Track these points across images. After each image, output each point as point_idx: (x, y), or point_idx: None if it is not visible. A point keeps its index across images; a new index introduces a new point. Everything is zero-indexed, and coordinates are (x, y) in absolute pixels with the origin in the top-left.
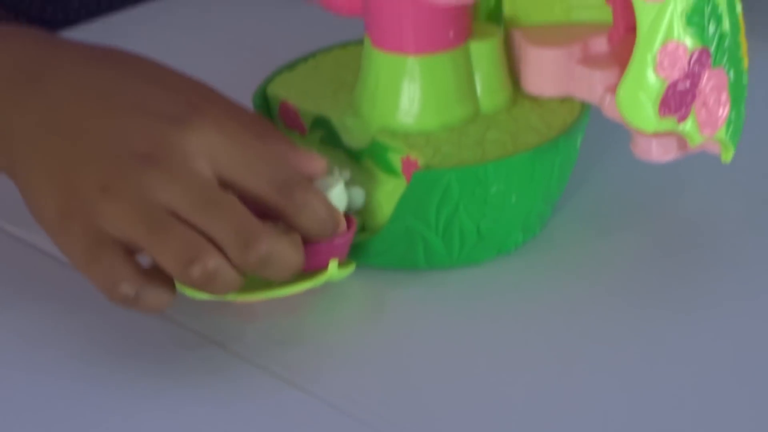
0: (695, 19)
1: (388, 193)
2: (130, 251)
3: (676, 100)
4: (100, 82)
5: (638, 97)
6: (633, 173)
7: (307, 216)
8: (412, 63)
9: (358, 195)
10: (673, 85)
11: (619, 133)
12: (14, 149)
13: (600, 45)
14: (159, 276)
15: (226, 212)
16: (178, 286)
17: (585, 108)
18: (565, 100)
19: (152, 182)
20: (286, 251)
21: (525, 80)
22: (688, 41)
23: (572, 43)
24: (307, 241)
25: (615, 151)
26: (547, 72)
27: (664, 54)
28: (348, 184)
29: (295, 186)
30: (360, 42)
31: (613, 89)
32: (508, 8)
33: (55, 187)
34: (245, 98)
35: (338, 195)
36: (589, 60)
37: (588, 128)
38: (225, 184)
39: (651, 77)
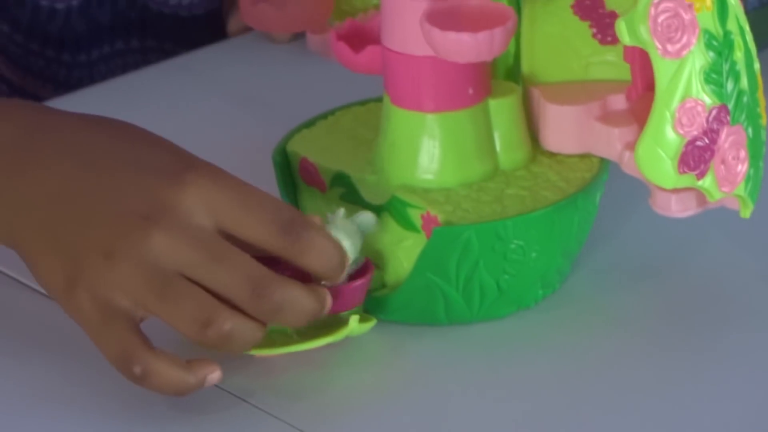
0: (714, 76)
1: (408, 249)
2: (139, 321)
3: (695, 157)
4: (94, 146)
5: (657, 153)
6: (652, 228)
7: (316, 255)
8: (432, 120)
9: (367, 219)
10: (691, 142)
11: (639, 189)
12: (14, 221)
13: (618, 102)
14: (168, 356)
15: (234, 265)
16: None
17: (604, 164)
18: (584, 156)
19: (155, 244)
20: (299, 296)
21: (544, 137)
22: (707, 98)
23: (591, 100)
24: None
25: (634, 206)
26: (567, 129)
27: (682, 111)
28: (349, 215)
29: (299, 226)
30: (379, 99)
31: (631, 146)
32: (526, 66)
33: (58, 256)
34: (265, 155)
35: (345, 228)
36: (608, 117)
37: (607, 184)
38: (227, 235)
39: (670, 134)
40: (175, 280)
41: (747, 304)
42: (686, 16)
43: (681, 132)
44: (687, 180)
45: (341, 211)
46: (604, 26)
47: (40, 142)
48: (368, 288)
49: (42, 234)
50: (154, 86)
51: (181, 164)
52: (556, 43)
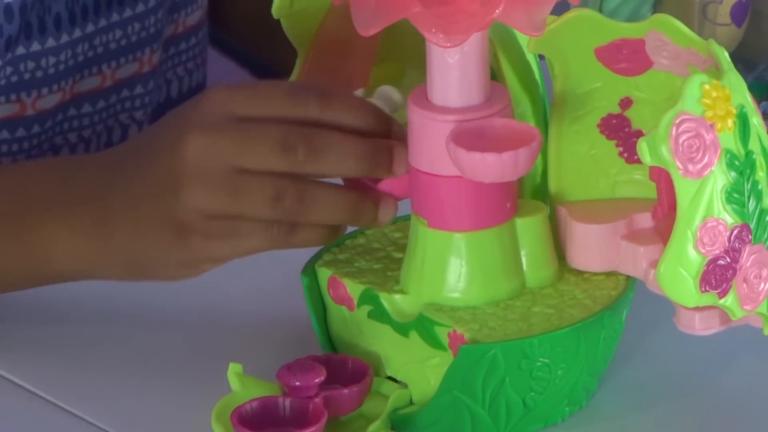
0: (735, 195)
1: (435, 367)
2: None
3: (717, 275)
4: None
5: (679, 272)
6: (678, 346)
7: (345, 107)
8: (459, 239)
9: (393, 93)
10: (713, 261)
11: (665, 306)
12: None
13: (644, 221)
14: None
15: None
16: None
17: (630, 282)
18: (611, 274)
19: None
20: (341, 138)
21: (571, 255)
22: (728, 218)
23: (617, 218)
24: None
25: (660, 323)
26: (593, 247)
27: (704, 230)
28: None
29: (319, 89)
30: (407, 218)
31: (656, 264)
32: (554, 184)
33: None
34: (295, 272)
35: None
36: (633, 235)
37: (634, 301)
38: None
39: (691, 253)
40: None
41: None
42: (708, 136)
43: (702, 251)
44: (709, 299)
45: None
46: (630, 145)
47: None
48: (366, 393)
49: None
50: None
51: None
52: (583, 162)
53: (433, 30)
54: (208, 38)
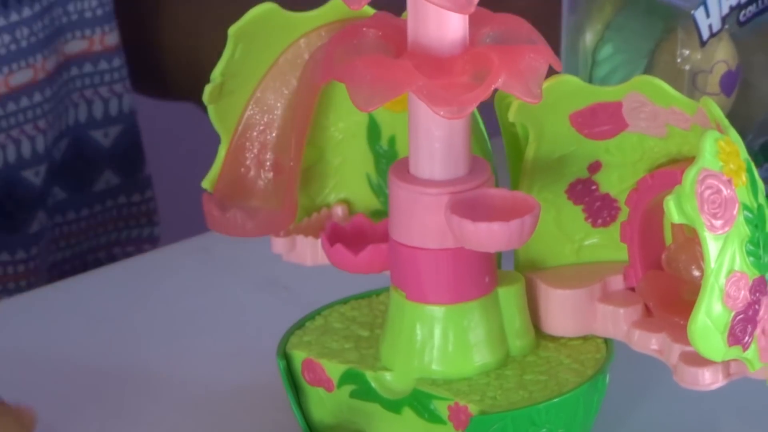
0: (752, 248)
1: None
2: None
3: (742, 329)
4: None
5: (709, 328)
6: (659, 406)
7: None
8: (451, 312)
9: None
10: (738, 315)
11: (643, 369)
12: None
13: (617, 283)
14: None
15: None
16: None
17: (610, 344)
18: (587, 338)
19: None
20: None
21: (547, 322)
22: (748, 271)
23: (591, 282)
24: None
25: (639, 385)
26: (570, 313)
27: (730, 285)
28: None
29: None
30: (359, 297)
31: (638, 325)
32: (521, 253)
33: None
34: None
35: None
36: (611, 298)
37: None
38: None
39: (720, 308)
40: None
41: None
42: (727, 191)
43: (729, 305)
44: (735, 352)
45: None
46: (595, 210)
47: None
48: None
49: None
50: (174, 265)
51: None
52: (549, 229)
53: (441, 103)
54: None
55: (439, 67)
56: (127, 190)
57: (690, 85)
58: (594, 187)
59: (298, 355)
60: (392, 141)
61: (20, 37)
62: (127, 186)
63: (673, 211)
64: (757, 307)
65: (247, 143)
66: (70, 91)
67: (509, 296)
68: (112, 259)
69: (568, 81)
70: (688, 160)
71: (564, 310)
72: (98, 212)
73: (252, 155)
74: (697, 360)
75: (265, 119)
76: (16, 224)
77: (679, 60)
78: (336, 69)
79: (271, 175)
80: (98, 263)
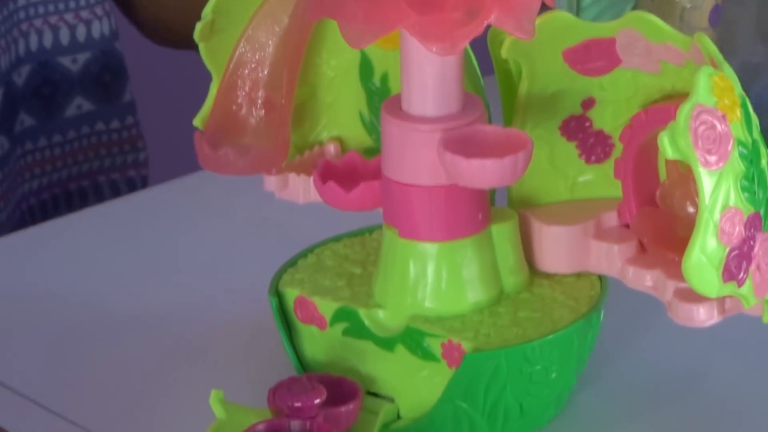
0: (746, 184)
1: (426, 379)
2: None
3: (737, 265)
4: None
5: (704, 264)
6: (655, 342)
7: None
8: (444, 249)
9: None
10: (733, 251)
11: (638, 305)
12: None
13: (611, 220)
14: None
15: None
16: None
17: (604, 281)
18: (581, 275)
19: None
20: None
21: (541, 259)
22: (743, 206)
23: (586, 219)
24: None
25: (634, 321)
26: (564, 249)
27: (724, 220)
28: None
29: None
30: (352, 234)
31: (632, 261)
32: (514, 190)
33: None
34: (250, 295)
35: None
36: (606, 235)
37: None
38: None
39: (714, 244)
40: None
41: (755, 429)
42: (721, 127)
43: (724, 241)
44: (729, 288)
45: None
46: (589, 146)
47: None
48: (357, 413)
49: None
50: (160, 206)
51: None
52: (543, 166)
53: (433, 39)
54: None
55: (431, 4)
56: (104, 116)
57: (679, 21)
58: (588, 124)
59: (291, 293)
60: (384, 78)
61: None
62: (104, 112)
63: (668, 147)
64: (752, 242)
65: (239, 81)
66: (26, 18)
67: (503, 233)
68: (96, 187)
69: (561, 17)
70: (682, 96)
71: (558, 247)
72: (73, 139)
73: (244, 93)
74: (692, 296)
75: (257, 57)
76: None
77: None
78: (327, 6)
79: (263, 112)
80: (83, 192)
